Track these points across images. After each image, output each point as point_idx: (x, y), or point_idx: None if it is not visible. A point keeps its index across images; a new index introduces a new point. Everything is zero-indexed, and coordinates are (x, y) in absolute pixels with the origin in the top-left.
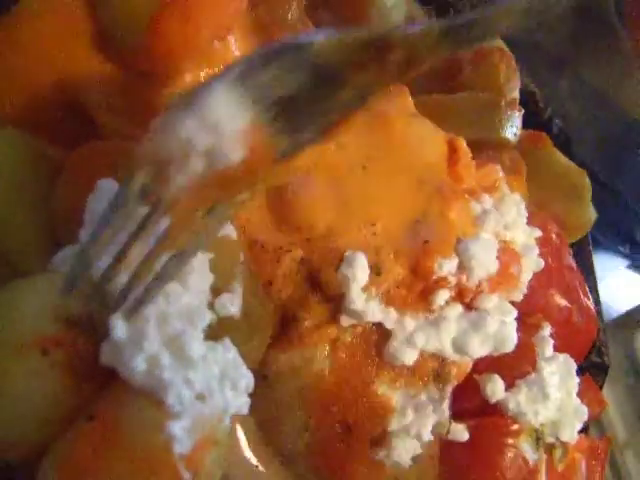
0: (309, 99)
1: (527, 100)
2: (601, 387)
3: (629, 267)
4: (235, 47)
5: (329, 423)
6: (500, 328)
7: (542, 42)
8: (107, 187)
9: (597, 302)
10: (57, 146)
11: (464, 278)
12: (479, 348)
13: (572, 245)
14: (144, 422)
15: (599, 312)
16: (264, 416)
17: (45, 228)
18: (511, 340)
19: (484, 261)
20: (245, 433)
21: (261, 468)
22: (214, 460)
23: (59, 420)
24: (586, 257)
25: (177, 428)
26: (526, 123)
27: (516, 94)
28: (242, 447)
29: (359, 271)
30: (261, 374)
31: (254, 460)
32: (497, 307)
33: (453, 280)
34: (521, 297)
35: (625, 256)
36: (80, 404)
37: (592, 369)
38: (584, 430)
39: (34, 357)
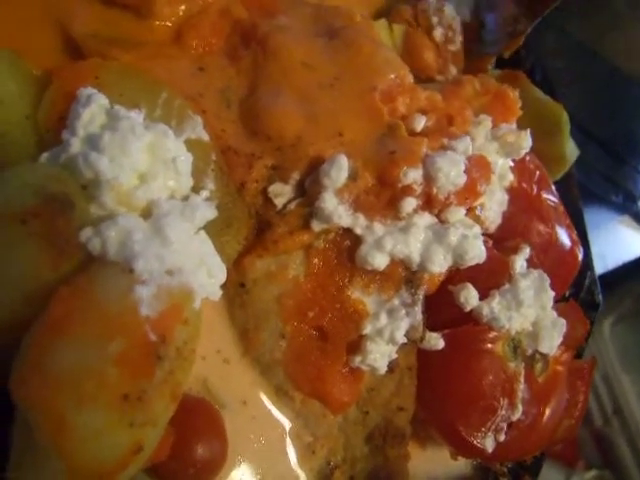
0: None
1: None
2: (592, 324)
3: (621, 221)
4: None
5: (305, 330)
6: (462, 241)
7: None
8: (87, 94)
9: (587, 253)
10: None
11: (434, 190)
12: (443, 260)
13: (558, 184)
14: (114, 286)
15: (590, 261)
16: (243, 325)
17: (32, 138)
18: (473, 253)
19: (451, 174)
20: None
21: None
22: (186, 341)
23: (40, 296)
24: (574, 201)
25: (144, 292)
26: None
27: None
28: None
29: (339, 172)
30: (239, 282)
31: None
32: (461, 221)
33: (419, 189)
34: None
35: (618, 206)
36: (60, 281)
37: (583, 307)
38: (578, 356)
39: (14, 226)
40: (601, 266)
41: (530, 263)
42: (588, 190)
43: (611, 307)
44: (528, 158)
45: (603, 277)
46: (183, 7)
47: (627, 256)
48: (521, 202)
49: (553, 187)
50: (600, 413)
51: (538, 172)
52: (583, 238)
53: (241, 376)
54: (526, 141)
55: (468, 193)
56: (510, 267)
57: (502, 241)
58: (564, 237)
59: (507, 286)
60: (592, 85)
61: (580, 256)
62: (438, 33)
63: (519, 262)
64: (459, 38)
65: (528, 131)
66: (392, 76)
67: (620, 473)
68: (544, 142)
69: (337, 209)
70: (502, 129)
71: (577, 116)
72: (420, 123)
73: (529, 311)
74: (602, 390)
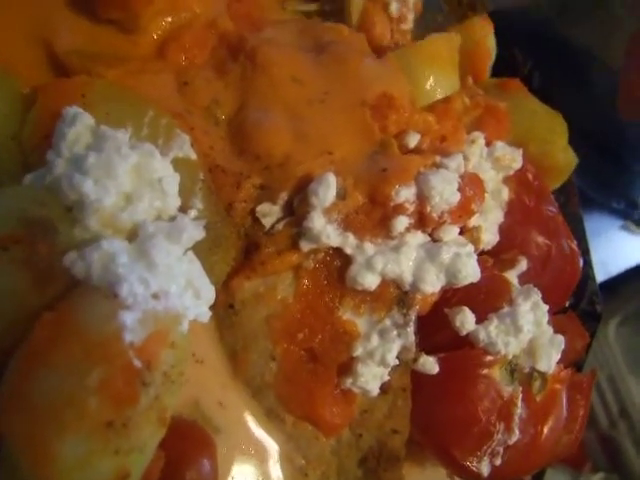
0: None
1: (506, 55)
2: (593, 335)
3: (622, 227)
4: None
5: (295, 351)
6: (454, 259)
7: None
8: (73, 113)
9: (588, 262)
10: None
11: (427, 208)
12: (435, 279)
13: (557, 192)
14: (98, 311)
15: (590, 270)
16: (233, 347)
17: (18, 158)
18: (466, 272)
19: (445, 193)
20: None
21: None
22: (173, 365)
23: (24, 321)
24: (574, 209)
25: (128, 318)
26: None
27: None
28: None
29: (327, 191)
30: (227, 304)
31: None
32: (454, 239)
33: (411, 207)
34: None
35: (619, 213)
36: (44, 307)
37: (584, 317)
38: (579, 368)
39: None
40: (603, 273)
41: (529, 275)
42: (588, 197)
43: (616, 308)
44: (525, 167)
45: (607, 280)
46: (169, 19)
47: (630, 262)
48: (519, 214)
49: (552, 196)
50: (606, 416)
51: (536, 182)
52: (584, 247)
53: (232, 398)
54: (518, 161)
55: (462, 211)
56: (510, 289)
57: (499, 254)
58: (563, 248)
59: (506, 309)
60: (591, 90)
61: (580, 267)
62: (394, 9)
63: (515, 275)
64: (411, 16)
65: (520, 151)
66: (381, 90)
67: (627, 476)
68: (542, 151)
69: (325, 229)
70: (497, 148)
71: (576, 121)
72: (414, 141)
73: (527, 334)
74: (608, 392)
